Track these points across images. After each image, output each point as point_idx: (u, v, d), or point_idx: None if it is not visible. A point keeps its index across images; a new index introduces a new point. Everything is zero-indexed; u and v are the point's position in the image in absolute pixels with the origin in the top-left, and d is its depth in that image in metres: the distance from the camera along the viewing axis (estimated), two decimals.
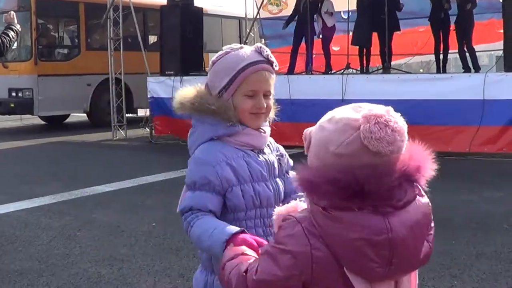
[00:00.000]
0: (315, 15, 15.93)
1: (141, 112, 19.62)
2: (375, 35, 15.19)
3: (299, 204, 2.06)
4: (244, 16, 23.09)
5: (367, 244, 1.78)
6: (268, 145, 2.63)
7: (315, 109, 12.87)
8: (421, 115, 11.83)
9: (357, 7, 15.58)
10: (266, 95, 2.49)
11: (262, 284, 1.89)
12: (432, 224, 1.96)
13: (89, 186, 9.56)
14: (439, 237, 6.41)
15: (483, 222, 7.11)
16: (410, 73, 15.90)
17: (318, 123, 1.98)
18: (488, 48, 19.92)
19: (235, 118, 2.45)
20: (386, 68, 14.59)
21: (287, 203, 2.14)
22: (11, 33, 7.15)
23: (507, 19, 12.08)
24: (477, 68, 13.93)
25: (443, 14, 14.29)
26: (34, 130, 18.86)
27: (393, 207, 1.83)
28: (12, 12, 7.64)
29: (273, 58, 2.50)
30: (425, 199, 1.93)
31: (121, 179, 10.15)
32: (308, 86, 13.33)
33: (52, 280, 5.38)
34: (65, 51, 19.31)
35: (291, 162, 2.68)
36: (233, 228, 2.24)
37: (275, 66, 2.51)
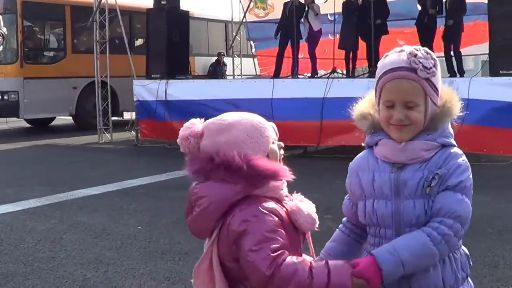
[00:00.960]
0: (301, 19, 15.97)
1: (127, 116, 19.59)
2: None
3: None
4: (230, 19, 23.10)
5: None
6: (426, 161, 2.30)
7: (297, 107, 12.87)
8: None
9: (342, 11, 15.64)
10: (409, 106, 2.26)
11: None
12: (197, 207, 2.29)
13: (75, 189, 9.53)
14: None
15: (469, 226, 7.11)
16: None
17: None
18: (474, 51, 20.04)
19: (374, 126, 2.41)
20: (372, 72, 14.63)
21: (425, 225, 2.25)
22: None
23: (492, 22, 12.14)
24: (461, 73, 14.01)
25: (427, 18, 14.37)
26: (20, 133, 18.79)
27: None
28: None
29: (419, 64, 2.23)
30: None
31: (106, 182, 10.12)
32: (294, 90, 13.31)
33: (37, 283, 5.36)
34: (51, 53, 19.25)
35: (454, 180, 2.27)
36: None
37: (421, 70, 2.24)
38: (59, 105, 18.45)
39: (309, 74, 16.35)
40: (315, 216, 2.36)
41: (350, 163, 2.50)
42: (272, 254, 2.11)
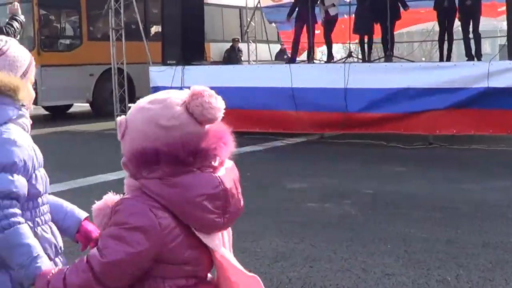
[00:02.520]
0: (316, 5, 15.83)
1: None
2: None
3: (113, 196, 2.37)
4: (244, 5, 23.02)
5: (207, 198, 2.09)
6: None
7: (318, 97, 12.90)
8: (423, 102, 11.90)
9: None
10: None
11: (114, 264, 2.05)
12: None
13: (93, 174, 9.58)
14: (444, 226, 6.41)
15: (489, 211, 7.10)
16: (413, 61, 15.89)
17: (137, 107, 2.19)
18: (492, 28, 19.89)
19: None
20: (388, 56, 14.54)
21: None
22: (16, 24, 7.15)
23: (510, 5, 12.01)
24: (479, 56, 13.83)
25: (447, 2, 14.15)
26: (38, 120, 18.80)
27: (213, 167, 2.15)
28: (16, 3, 7.63)
29: None
30: (232, 161, 2.28)
31: (122, 169, 10.12)
32: (311, 75, 13.26)
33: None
34: (68, 41, 19.29)
35: None
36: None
37: None
38: (76, 92, 18.51)
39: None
40: None
41: None
42: None
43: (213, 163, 2.15)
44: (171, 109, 2.11)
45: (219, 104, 2.13)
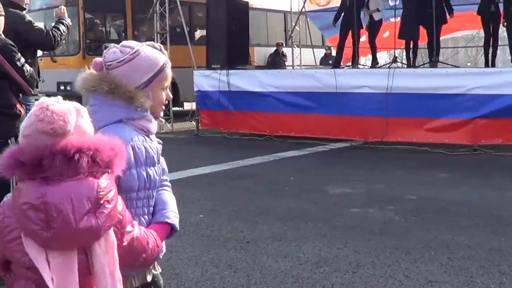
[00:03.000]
0: (361, 10, 15.77)
1: (187, 106, 19.74)
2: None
3: None
4: (289, 9, 23.04)
5: (30, 207, 2.10)
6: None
7: (361, 102, 12.87)
8: (468, 109, 11.75)
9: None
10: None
11: None
12: (106, 203, 2.19)
13: None
14: (488, 233, 6.32)
15: None
16: (458, 67, 15.71)
17: None
18: None
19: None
20: (434, 62, 14.40)
21: None
22: (62, 27, 7.24)
23: None
24: None
25: (493, 7, 13.95)
26: None
27: (57, 179, 2.13)
28: (62, 6, 7.75)
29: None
30: (93, 180, 2.19)
31: (168, 171, 10.18)
32: (355, 80, 13.22)
33: None
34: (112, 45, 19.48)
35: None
36: None
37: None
38: None
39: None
40: None
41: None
42: None
43: (64, 174, 2.15)
44: (28, 119, 2.21)
45: (46, 119, 2.14)
